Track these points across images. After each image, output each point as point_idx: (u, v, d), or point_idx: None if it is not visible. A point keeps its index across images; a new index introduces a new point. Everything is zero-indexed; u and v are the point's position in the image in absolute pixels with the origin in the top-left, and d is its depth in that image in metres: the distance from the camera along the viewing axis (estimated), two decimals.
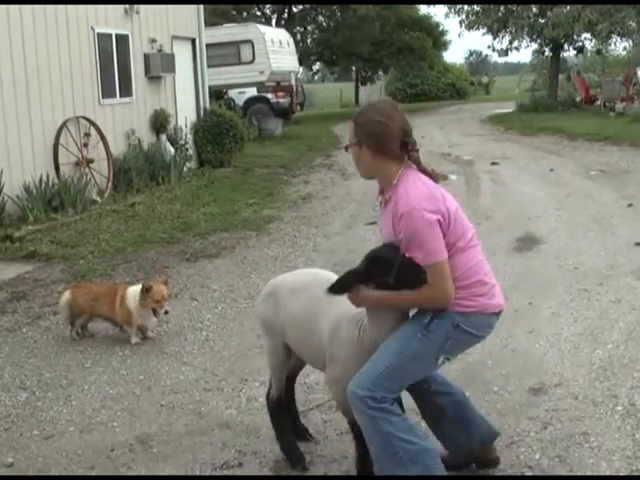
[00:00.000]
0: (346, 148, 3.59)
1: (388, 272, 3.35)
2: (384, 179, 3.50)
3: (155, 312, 5.98)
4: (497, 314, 3.53)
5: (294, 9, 37.09)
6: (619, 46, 64.80)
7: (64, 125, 11.68)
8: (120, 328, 6.21)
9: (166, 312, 5.98)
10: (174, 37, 15.25)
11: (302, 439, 4.24)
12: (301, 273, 4.36)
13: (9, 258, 8.79)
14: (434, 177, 3.48)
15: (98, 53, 12.68)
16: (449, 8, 33.32)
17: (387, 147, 3.42)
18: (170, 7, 15.02)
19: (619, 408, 4.61)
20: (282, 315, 3.93)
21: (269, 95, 24.85)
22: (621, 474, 3.87)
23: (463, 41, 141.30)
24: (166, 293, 6.04)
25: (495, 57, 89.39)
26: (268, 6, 37.00)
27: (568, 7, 28.75)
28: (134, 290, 6.09)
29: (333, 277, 3.99)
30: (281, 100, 24.93)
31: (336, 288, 3.50)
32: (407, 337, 3.41)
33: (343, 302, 3.65)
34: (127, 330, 6.14)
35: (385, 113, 3.44)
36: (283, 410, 4.18)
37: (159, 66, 14.25)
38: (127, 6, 13.47)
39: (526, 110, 29.46)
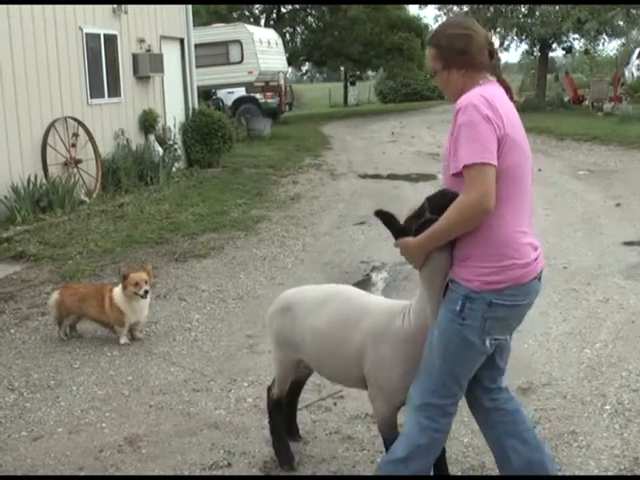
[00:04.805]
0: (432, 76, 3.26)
1: (424, 212, 3.13)
2: None
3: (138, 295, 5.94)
4: (537, 277, 3.15)
5: (283, 9, 37.08)
6: (607, 46, 64.96)
7: (52, 125, 11.62)
8: (111, 328, 6.18)
9: (146, 292, 5.94)
10: (162, 37, 15.21)
11: (290, 439, 4.23)
12: (317, 287, 4.18)
13: None
14: (509, 90, 3.21)
15: (86, 53, 12.63)
16: (439, 9, 33.34)
17: (478, 60, 3.11)
18: (158, 7, 14.99)
19: (607, 407, 4.63)
20: (300, 331, 3.84)
21: (258, 95, 24.84)
22: (609, 473, 3.88)
23: None
24: (145, 277, 5.98)
25: None
26: (257, 6, 36.96)
27: (557, 7, 28.82)
28: (120, 288, 6.09)
29: (352, 289, 3.98)
30: (270, 100, 24.93)
31: (386, 220, 3.23)
32: (446, 331, 3.13)
33: (379, 302, 3.63)
34: (118, 331, 6.11)
35: (464, 24, 3.16)
36: (281, 409, 4.17)
37: (147, 66, 14.21)
38: (115, 6, 13.43)
39: None
